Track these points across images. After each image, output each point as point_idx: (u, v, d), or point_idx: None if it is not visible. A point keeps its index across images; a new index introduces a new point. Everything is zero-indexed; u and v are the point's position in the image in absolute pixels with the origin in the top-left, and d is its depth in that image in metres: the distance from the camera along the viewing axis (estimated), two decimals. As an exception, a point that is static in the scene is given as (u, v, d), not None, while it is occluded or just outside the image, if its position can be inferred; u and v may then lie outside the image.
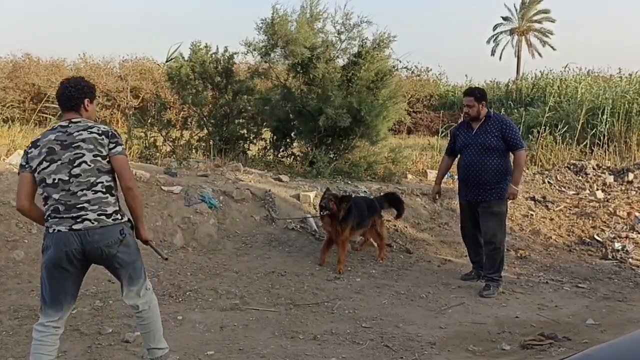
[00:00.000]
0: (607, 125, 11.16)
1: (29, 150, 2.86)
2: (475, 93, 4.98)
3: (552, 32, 45.87)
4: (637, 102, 11.81)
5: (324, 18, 8.02)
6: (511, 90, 21.76)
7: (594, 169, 9.18)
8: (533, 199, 7.84)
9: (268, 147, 8.80)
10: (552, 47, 45.66)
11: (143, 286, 3.01)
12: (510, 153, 4.99)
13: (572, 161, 9.64)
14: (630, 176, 8.66)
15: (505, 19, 46.86)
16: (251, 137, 8.71)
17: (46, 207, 2.83)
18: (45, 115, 10.08)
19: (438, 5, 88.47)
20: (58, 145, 2.83)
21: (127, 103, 13.89)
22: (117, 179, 2.94)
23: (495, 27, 47.20)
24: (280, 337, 3.75)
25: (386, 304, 4.56)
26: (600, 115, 11.39)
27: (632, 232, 6.92)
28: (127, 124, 8.59)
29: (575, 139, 10.67)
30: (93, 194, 2.81)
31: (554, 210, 7.58)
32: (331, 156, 7.91)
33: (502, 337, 3.95)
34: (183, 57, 8.44)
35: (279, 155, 8.68)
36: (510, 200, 5.19)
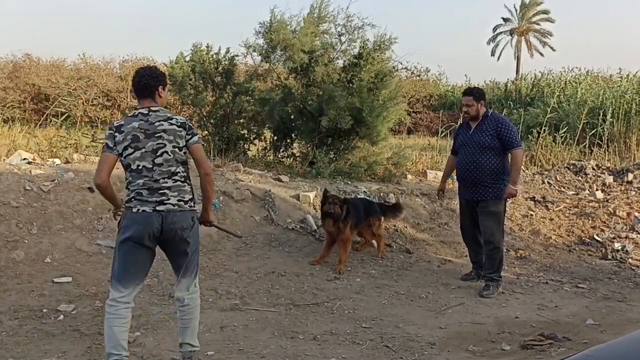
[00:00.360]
0: (609, 126, 11.16)
1: (115, 134, 3.05)
2: (474, 92, 5.02)
3: (551, 34, 45.92)
4: (636, 102, 11.81)
5: (330, 20, 8.02)
6: (511, 91, 21.78)
7: (593, 169, 9.18)
8: (533, 199, 7.85)
9: (268, 148, 8.80)
10: (551, 47, 45.72)
11: (193, 282, 3.23)
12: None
13: (571, 161, 9.64)
14: (630, 176, 8.66)
15: (505, 20, 46.91)
16: (251, 138, 8.71)
17: (129, 190, 3.06)
18: (46, 115, 10.08)
19: (437, 5, 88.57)
20: (142, 133, 3.04)
21: (127, 103, 13.89)
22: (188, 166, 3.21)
23: (495, 28, 47.26)
24: (280, 337, 3.76)
25: (386, 304, 4.57)
26: (602, 116, 11.39)
27: (632, 232, 6.93)
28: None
29: (576, 139, 10.67)
30: (173, 182, 3.08)
31: (553, 210, 7.58)
32: (331, 156, 7.91)
33: (502, 337, 3.95)
34: (184, 58, 8.44)
35: (279, 156, 8.68)
36: (510, 201, 5.22)
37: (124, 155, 3.03)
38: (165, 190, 3.04)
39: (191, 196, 3.16)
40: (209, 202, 3.31)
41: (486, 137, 4.88)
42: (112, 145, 3.04)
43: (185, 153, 3.14)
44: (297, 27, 7.79)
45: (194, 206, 3.19)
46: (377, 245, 5.99)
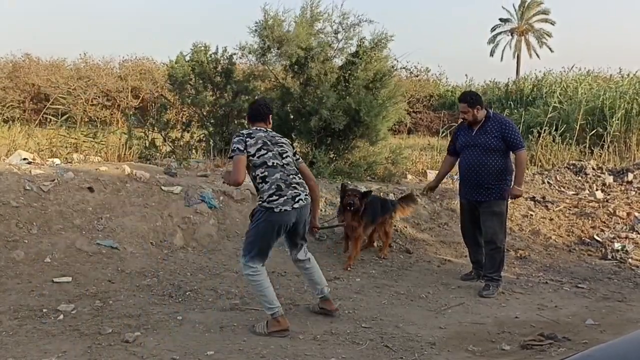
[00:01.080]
0: (609, 126, 11.16)
1: (246, 140, 3.77)
2: (468, 99, 4.97)
3: (550, 34, 45.93)
4: (636, 102, 11.81)
5: (324, 19, 8.01)
6: (511, 91, 21.78)
7: (593, 169, 9.18)
8: (533, 199, 7.84)
9: (268, 148, 8.78)
10: (549, 48, 45.73)
11: (305, 245, 4.07)
12: (511, 153, 5.00)
13: (571, 161, 9.64)
14: (630, 176, 8.66)
15: (504, 20, 46.90)
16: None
17: (267, 183, 3.72)
18: (45, 115, 10.08)
19: (436, 5, 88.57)
20: (268, 141, 3.84)
21: (127, 103, 13.89)
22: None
23: (493, 29, 47.28)
24: (279, 337, 3.75)
25: (386, 304, 4.57)
26: (602, 116, 11.38)
27: (632, 233, 6.93)
28: (127, 124, 8.59)
29: (575, 139, 10.67)
30: (299, 178, 3.87)
31: (553, 210, 7.58)
32: (331, 156, 7.90)
33: (502, 337, 3.95)
34: (184, 58, 8.44)
35: (279, 156, 8.66)
36: (511, 201, 5.20)
37: (257, 155, 3.73)
38: (296, 185, 3.78)
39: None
40: (318, 207, 4.26)
41: (491, 139, 4.87)
42: (242, 148, 3.73)
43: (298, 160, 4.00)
44: (291, 24, 7.81)
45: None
46: (384, 244, 6.01)
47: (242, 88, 8.35)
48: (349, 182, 7.34)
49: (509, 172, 4.96)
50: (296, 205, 3.71)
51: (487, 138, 4.89)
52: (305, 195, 3.81)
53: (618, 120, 11.30)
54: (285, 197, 3.68)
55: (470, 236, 5.32)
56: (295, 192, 3.73)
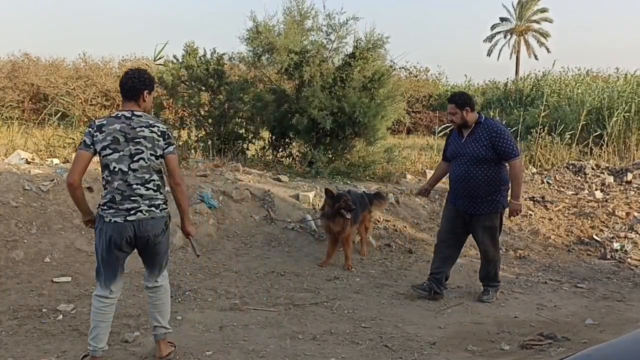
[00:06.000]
0: (608, 126, 11.16)
1: (94, 133, 3.08)
2: (456, 100, 4.57)
3: (549, 34, 45.93)
4: (635, 103, 11.82)
5: (313, 16, 8.02)
6: (510, 91, 21.81)
7: (592, 169, 9.19)
8: (532, 199, 7.85)
9: (267, 147, 8.80)
10: (547, 48, 45.73)
11: (162, 272, 3.37)
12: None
13: (571, 161, 9.65)
14: (629, 176, 8.68)
15: (503, 19, 46.92)
16: (250, 137, 8.71)
17: (105, 190, 3.11)
18: (44, 115, 10.07)
19: (435, 5, 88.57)
20: (122, 136, 3.08)
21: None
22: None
23: (493, 27, 47.28)
24: (279, 337, 3.75)
25: (385, 304, 4.57)
26: (601, 116, 11.39)
27: (631, 232, 6.93)
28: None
29: (576, 139, 10.68)
30: (146, 189, 3.12)
31: (552, 210, 7.59)
32: (330, 156, 7.91)
33: (502, 337, 3.95)
34: (177, 60, 8.40)
35: (278, 155, 8.68)
36: (506, 217, 4.86)
37: (102, 154, 3.07)
38: (137, 198, 3.10)
39: (163, 201, 3.22)
40: (184, 212, 3.34)
41: (480, 148, 4.47)
42: (88, 143, 3.07)
43: (160, 162, 3.18)
44: (281, 28, 7.84)
45: (166, 208, 3.25)
46: (361, 239, 5.97)
47: (235, 87, 8.32)
48: (348, 183, 7.34)
49: (504, 183, 4.58)
50: (131, 218, 3.08)
51: (475, 147, 4.50)
52: (151, 206, 3.13)
53: (611, 118, 11.30)
54: (118, 208, 3.08)
55: (446, 245, 4.82)
56: (133, 205, 3.08)
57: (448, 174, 4.88)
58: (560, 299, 4.92)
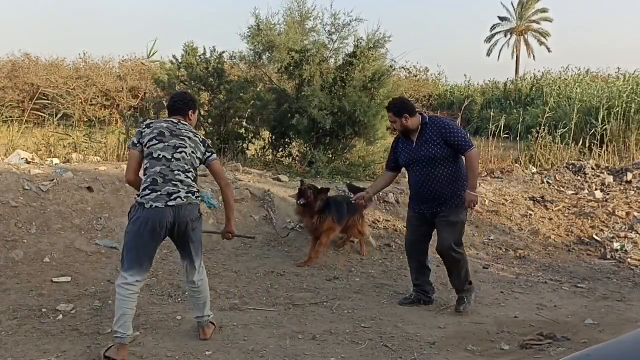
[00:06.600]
0: (610, 125, 11.16)
1: (143, 130, 3.42)
2: (392, 108, 4.42)
3: (549, 34, 45.94)
4: (635, 102, 11.82)
5: (314, 17, 8.03)
6: (510, 91, 21.82)
7: (593, 169, 9.18)
8: (532, 199, 7.85)
9: (267, 147, 8.80)
10: (547, 48, 45.75)
11: (201, 265, 3.58)
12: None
13: (571, 161, 9.64)
14: (629, 176, 8.67)
15: (503, 19, 46.92)
16: (250, 137, 8.71)
17: (146, 176, 3.34)
18: (41, 114, 10.06)
19: (435, 5, 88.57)
20: (168, 132, 3.41)
21: (126, 103, 13.88)
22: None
23: (493, 28, 47.30)
24: (279, 337, 3.75)
25: (385, 304, 4.57)
26: (601, 116, 11.39)
27: (631, 232, 6.93)
28: (125, 124, 8.58)
29: (575, 139, 10.67)
30: (185, 177, 3.37)
31: (553, 210, 7.58)
32: (330, 156, 7.91)
33: (501, 337, 3.95)
34: (176, 60, 8.39)
35: (278, 155, 8.68)
36: (471, 212, 4.68)
37: (148, 145, 3.35)
38: (178, 183, 3.32)
39: (197, 190, 3.46)
40: (233, 211, 3.72)
41: (433, 148, 4.32)
42: (136, 142, 3.40)
43: (199, 164, 3.49)
44: (282, 27, 7.84)
45: (200, 197, 3.52)
46: (360, 243, 5.96)
47: (235, 87, 8.32)
48: (348, 183, 7.34)
49: (465, 177, 4.40)
50: (172, 203, 3.26)
51: (429, 148, 4.34)
52: (189, 194, 3.35)
53: (611, 118, 11.30)
54: (159, 193, 3.26)
55: (417, 254, 4.69)
56: (173, 190, 3.28)
57: (408, 181, 4.70)
58: (560, 299, 4.91)
